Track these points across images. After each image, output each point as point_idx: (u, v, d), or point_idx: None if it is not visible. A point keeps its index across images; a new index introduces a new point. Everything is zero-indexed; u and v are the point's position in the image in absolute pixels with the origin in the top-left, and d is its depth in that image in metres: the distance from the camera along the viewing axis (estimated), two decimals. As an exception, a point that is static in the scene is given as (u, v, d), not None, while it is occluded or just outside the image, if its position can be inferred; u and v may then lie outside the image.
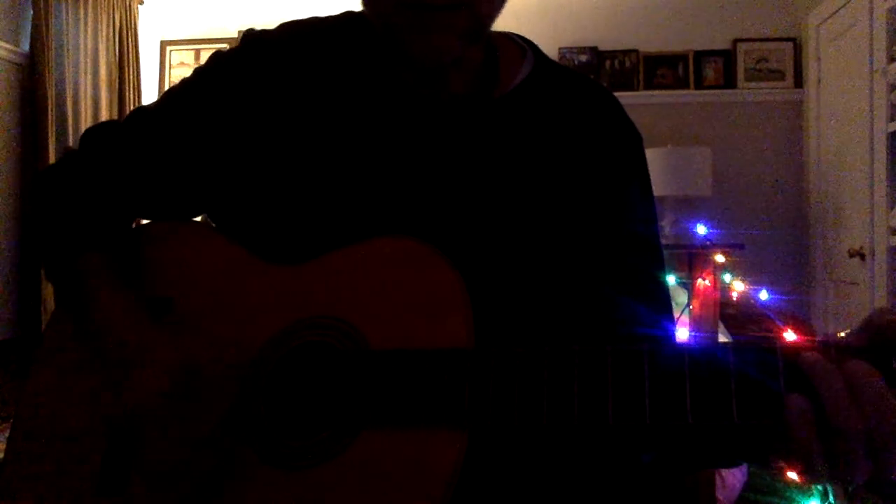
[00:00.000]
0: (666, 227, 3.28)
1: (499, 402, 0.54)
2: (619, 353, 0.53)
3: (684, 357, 0.51)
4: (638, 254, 0.73)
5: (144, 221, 0.80)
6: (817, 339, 0.50)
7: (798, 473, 0.49)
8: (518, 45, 0.78)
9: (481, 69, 0.72)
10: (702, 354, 0.51)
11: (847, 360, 0.48)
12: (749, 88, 3.71)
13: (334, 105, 0.71)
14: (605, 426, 0.52)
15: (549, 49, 3.75)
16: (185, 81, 0.77)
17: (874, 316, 0.50)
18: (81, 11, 3.53)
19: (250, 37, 0.76)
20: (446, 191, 0.68)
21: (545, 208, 0.69)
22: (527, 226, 0.68)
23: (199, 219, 0.81)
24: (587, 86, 0.77)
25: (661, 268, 0.75)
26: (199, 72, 0.77)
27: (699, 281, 2.48)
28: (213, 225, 0.78)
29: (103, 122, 0.80)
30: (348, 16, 0.76)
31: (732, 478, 2.10)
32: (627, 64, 3.80)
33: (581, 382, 0.53)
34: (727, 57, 3.74)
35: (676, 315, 2.29)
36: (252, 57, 0.74)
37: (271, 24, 0.77)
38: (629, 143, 0.76)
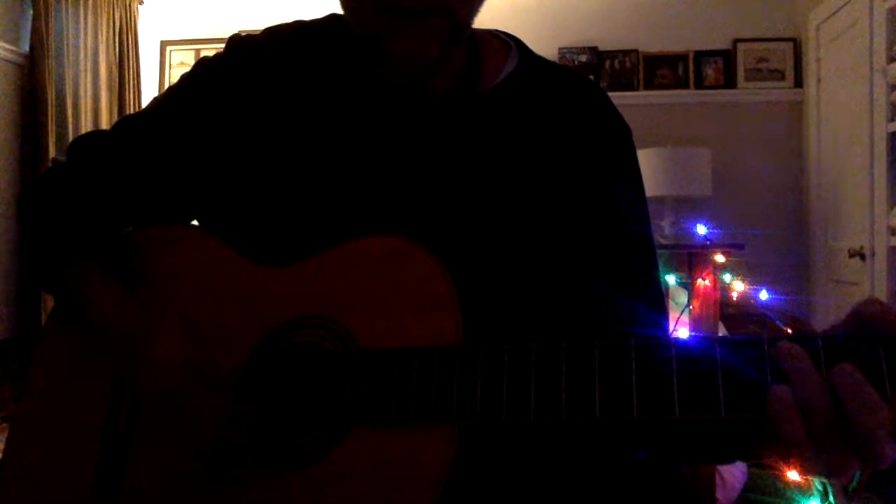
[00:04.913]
0: (666, 227, 3.28)
1: (487, 399, 0.54)
2: (606, 348, 0.53)
3: (671, 351, 0.51)
4: (628, 248, 0.73)
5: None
6: (804, 331, 0.50)
7: (793, 468, 0.48)
8: (502, 41, 0.78)
9: (464, 67, 0.72)
10: (689, 348, 0.51)
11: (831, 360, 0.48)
12: (749, 88, 3.71)
13: (319, 107, 0.72)
14: (592, 421, 0.52)
15: (549, 49, 3.76)
16: (170, 89, 0.78)
17: (861, 306, 0.50)
18: (81, 11, 3.54)
19: (234, 42, 0.76)
20: (432, 188, 0.69)
21: (532, 203, 0.69)
22: (514, 221, 0.68)
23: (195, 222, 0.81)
24: (573, 80, 0.77)
25: (653, 262, 0.75)
26: (184, 79, 0.78)
27: (699, 281, 2.46)
28: (203, 228, 0.78)
29: (90, 132, 0.81)
30: (332, 18, 0.77)
31: (732, 478, 2.10)
32: (627, 64, 3.80)
33: (568, 378, 0.53)
34: (727, 57, 3.74)
35: (676, 315, 2.28)
36: (236, 62, 0.74)
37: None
38: (617, 136, 0.76)
